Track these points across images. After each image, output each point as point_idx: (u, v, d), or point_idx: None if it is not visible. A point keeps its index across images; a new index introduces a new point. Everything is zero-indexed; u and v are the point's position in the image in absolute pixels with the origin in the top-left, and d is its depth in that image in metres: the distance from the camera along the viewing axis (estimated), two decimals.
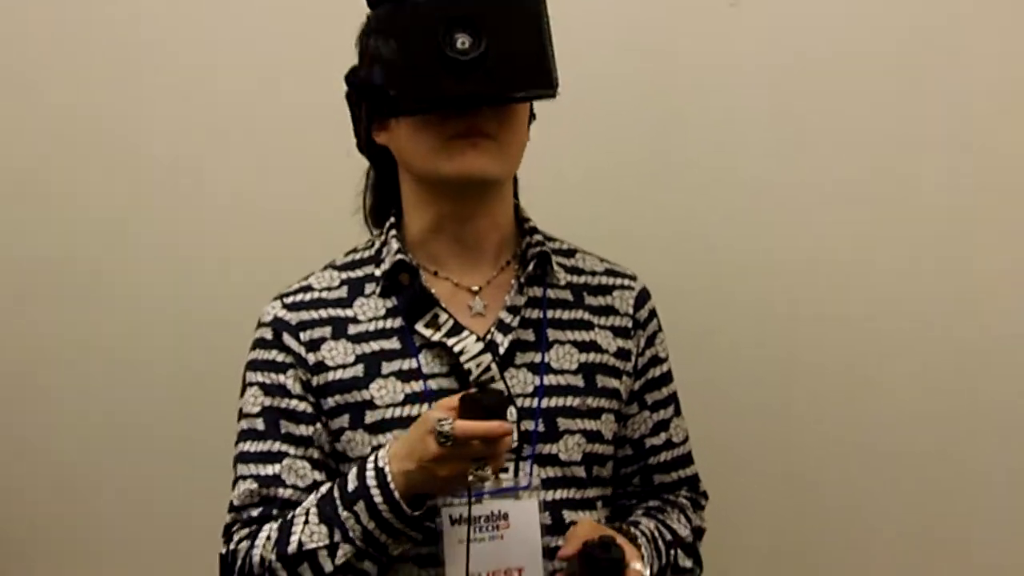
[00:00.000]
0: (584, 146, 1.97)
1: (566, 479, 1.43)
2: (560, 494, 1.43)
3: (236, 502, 1.42)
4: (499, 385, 1.40)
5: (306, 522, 1.35)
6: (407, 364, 1.41)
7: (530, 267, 1.46)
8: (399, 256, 1.44)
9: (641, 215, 1.99)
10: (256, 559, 1.36)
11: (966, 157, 1.90)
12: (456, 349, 1.40)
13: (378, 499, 1.30)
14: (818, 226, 1.95)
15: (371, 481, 1.31)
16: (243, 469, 1.43)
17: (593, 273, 1.53)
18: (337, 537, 1.32)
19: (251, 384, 1.45)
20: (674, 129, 1.98)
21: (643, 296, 1.55)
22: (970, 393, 1.93)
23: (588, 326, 1.49)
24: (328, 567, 1.33)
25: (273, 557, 1.35)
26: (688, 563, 1.50)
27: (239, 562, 1.38)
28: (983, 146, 1.90)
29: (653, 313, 1.56)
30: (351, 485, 1.33)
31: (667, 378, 1.57)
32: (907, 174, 1.92)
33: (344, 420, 1.42)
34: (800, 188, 1.95)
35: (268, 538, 1.37)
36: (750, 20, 1.94)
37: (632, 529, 1.44)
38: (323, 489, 1.37)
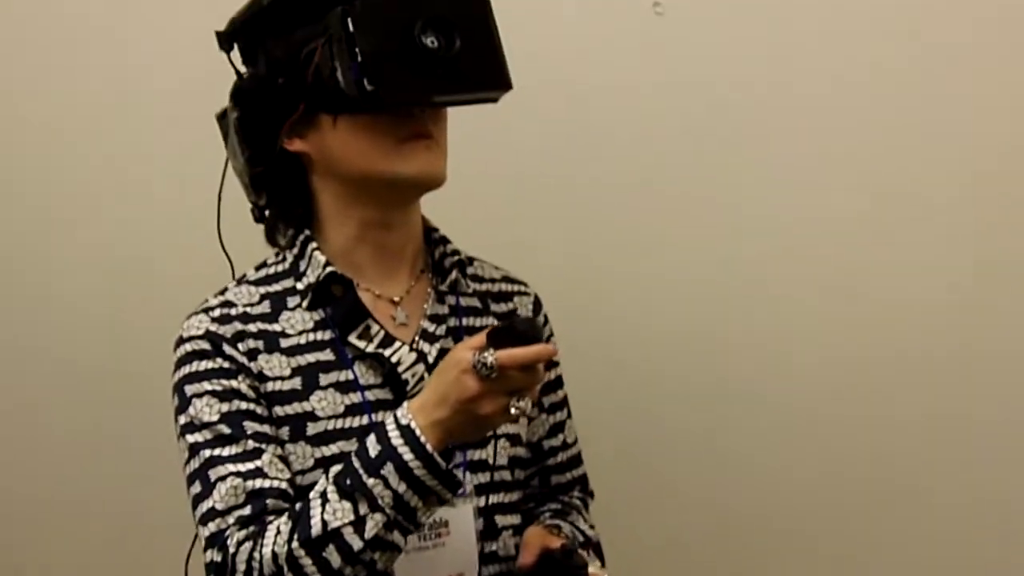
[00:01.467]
0: (497, 152, 1.97)
1: (495, 484, 1.45)
2: (492, 499, 1.44)
3: (220, 506, 1.31)
4: None
5: (325, 502, 1.26)
6: (343, 376, 1.39)
7: (452, 275, 1.48)
8: (330, 268, 1.41)
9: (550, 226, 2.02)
10: (267, 557, 1.26)
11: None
12: (394, 359, 1.39)
13: (408, 456, 1.24)
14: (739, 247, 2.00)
15: (397, 441, 1.25)
16: (218, 471, 1.32)
17: (493, 280, 1.57)
18: (364, 509, 1.25)
19: (198, 395, 1.36)
20: (592, 138, 1.99)
21: (538, 302, 1.60)
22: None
23: None
24: (357, 544, 1.25)
25: (294, 545, 1.25)
26: (598, 563, 1.55)
27: (242, 567, 1.28)
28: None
29: (547, 319, 1.61)
30: (373, 451, 1.26)
31: (560, 381, 1.63)
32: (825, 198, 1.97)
33: (284, 432, 1.37)
34: (725, 207, 1.99)
35: (278, 532, 1.27)
36: (676, 28, 1.97)
37: (560, 534, 1.48)
38: (333, 469, 1.29)
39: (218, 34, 1.45)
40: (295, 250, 1.45)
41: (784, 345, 2.02)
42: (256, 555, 1.28)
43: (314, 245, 1.44)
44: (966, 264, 1.96)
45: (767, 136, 1.98)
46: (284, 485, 1.33)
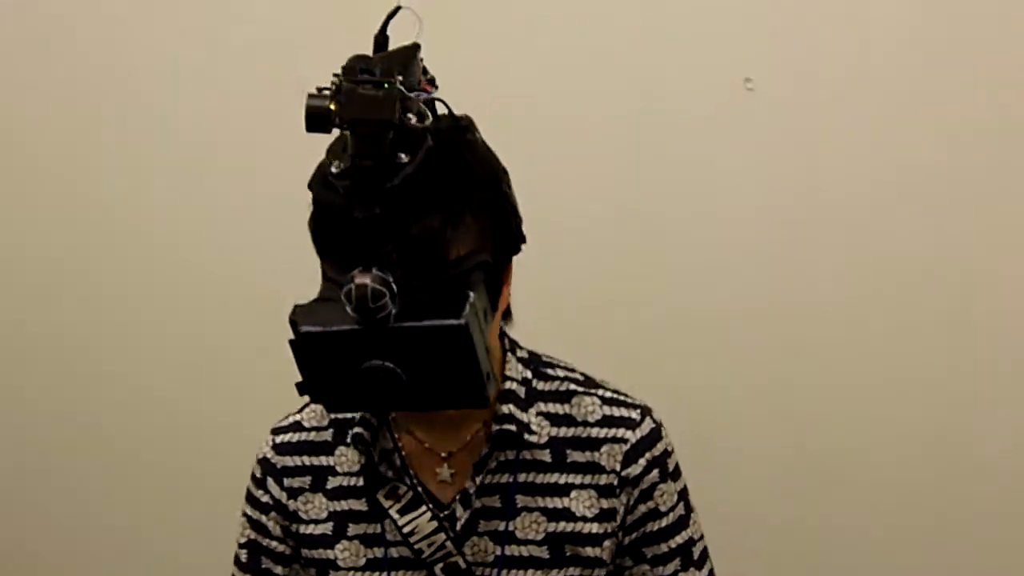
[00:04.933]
0: (590, 225, 2.01)
1: None
2: None
3: None
4: (456, 560, 1.41)
5: None
6: (372, 528, 1.44)
7: (489, 442, 1.41)
8: (358, 429, 1.42)
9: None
10: None
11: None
12: (406, 529, 1.40)
13: None
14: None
15: None
16: None
17: (585, 424, 1.44)
18: None
19: (244, 513, 1.53)
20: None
21: (639, 448, 1.44)
22: None
23: (564, 491, 1.43)
24: None
25: None
26: None
27: None
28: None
29: (654, 463, 1.45)
30: None
31: (672, 530, 1.48)
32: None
33: (312, 574, 1.48)
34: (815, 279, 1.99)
35: None
36: (766, 103, 1.92)
37: None
38: None
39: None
40: None
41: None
42: None
43: None
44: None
45: (863, 210, 1.97)
46: None
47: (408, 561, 1.42)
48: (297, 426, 1.50)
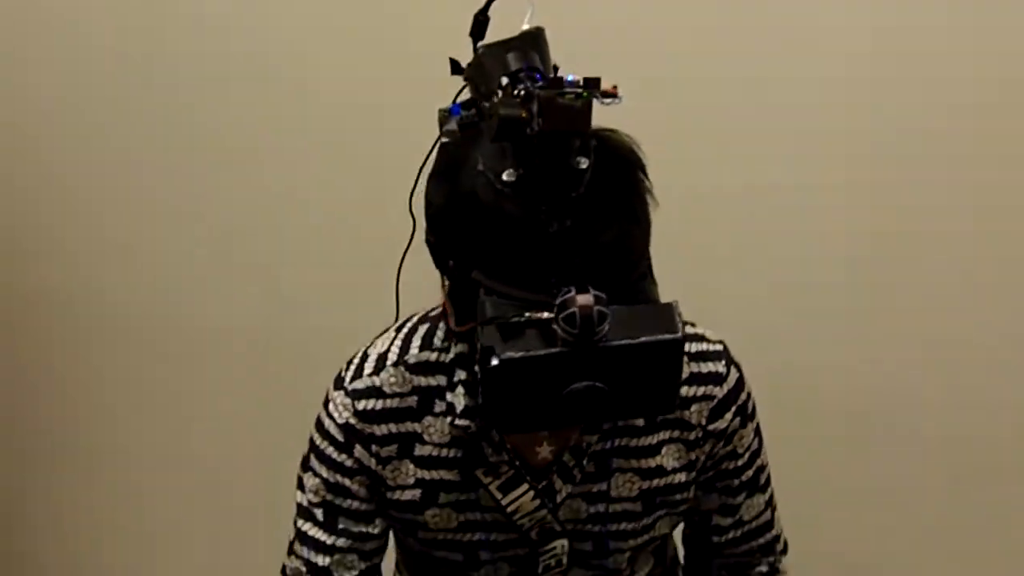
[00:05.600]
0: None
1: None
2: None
3: (288, 572, 1.49)
4: (552, 524, 1.43)
5: None
6: (465, 496, 1.42)
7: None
8: (464, 421, 1.39)
9: None
10: None
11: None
12: (509, 509, 1.41)
13: None
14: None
15: None
16: (297, 546, 1.48)
17: None
18: None
19: (315, 473, 1.45)
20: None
21: (726, 403, 1.45)
22: None
23: (656, 450, 1.44)
24: None
25: None
26: None
27: None
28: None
29: (737, 412, 1.46)
30: None
31: (744, 467, 1.51)
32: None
33: (398, 528, 1.48)
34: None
35: None
36: None
37: None
38: None
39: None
40: (464, 349, 1.39)
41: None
42: None
43: (465, 377, 1.38)
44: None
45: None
46: None
47: (501, 524, 1.43)
48: (378, 392, 1.42)
